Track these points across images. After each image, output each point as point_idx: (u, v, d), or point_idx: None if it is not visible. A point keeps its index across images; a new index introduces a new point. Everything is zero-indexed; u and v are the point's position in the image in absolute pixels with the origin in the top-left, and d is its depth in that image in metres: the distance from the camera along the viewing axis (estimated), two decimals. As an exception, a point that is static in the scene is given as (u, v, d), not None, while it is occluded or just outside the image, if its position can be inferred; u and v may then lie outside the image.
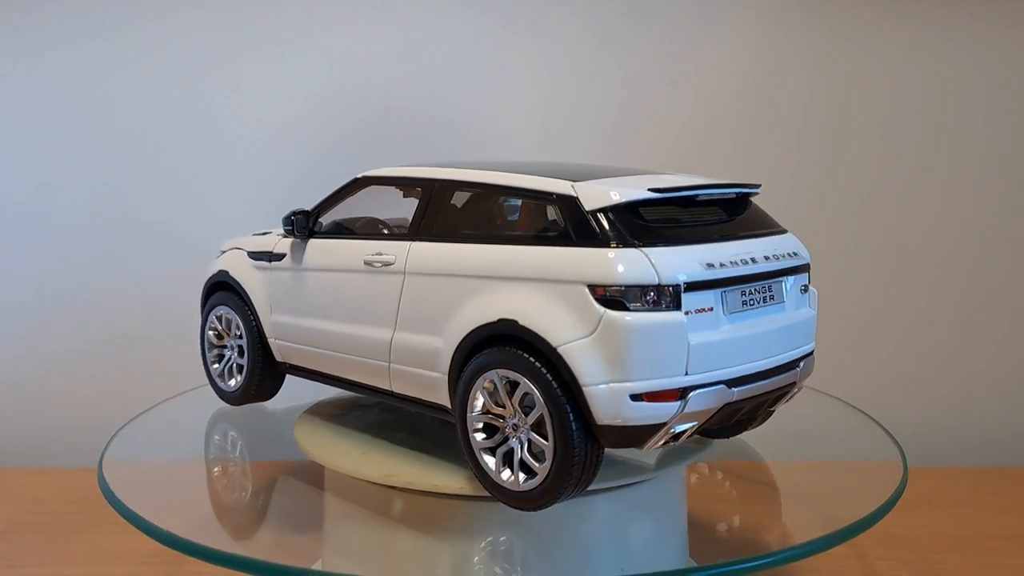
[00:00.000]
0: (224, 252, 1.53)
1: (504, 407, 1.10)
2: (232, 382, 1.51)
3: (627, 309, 1.02)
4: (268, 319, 1.44)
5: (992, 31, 2.00)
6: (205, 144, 2.03)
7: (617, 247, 1.04)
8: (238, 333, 1.48)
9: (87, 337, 2.06)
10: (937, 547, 1.61)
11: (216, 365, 1.53)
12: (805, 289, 1.20)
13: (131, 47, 2.00)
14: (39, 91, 2.01)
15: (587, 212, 1.08)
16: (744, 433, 1.31)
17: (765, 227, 1.20)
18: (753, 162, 2.03)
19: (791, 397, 1.21)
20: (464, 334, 1.14)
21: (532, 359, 1.06)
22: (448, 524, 1.18)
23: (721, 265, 1.08)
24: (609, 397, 1.02)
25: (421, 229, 1.25)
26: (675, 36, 2.01)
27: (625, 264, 1.03)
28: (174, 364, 2.00)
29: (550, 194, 1.13)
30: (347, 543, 1.30)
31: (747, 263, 1.11)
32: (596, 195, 1.08)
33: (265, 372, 1.46)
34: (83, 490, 1.46)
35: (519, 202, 1.20)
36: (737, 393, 1.08)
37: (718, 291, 1.07)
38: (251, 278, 1.47)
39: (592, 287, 1.03)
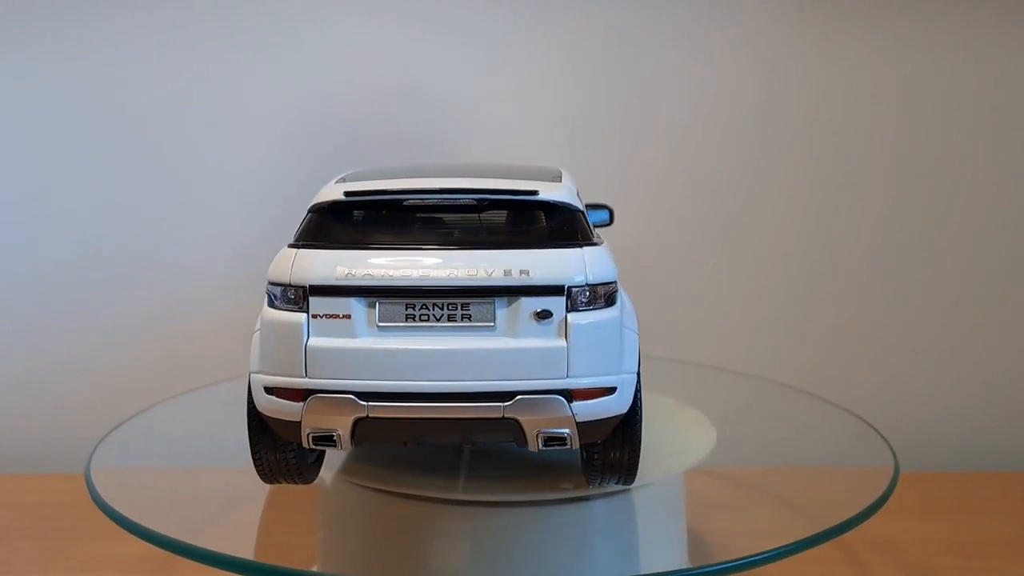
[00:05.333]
0: None
1: None
2: None
3: (272, 306, 1.07)
4: None
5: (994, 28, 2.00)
6: (201, 149, 2.02)
7: (291, 247, 1.09)
8: None
9: (76, 343, 2.04)
10: (935, 552, 1.61)
11: None
12: (545, 316, 1.04)
13: (124, 47, 1.99)
14: (27, 93, 2.00)
15: (308, 211, 1.13)
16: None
17: (540, 240, 1.08)
18: (756, 163, 2.03)
19: (535, 438, 1.05)
20: None
21: None
22: (443, 528, 1.17)
23: (366, 274, 1.04)
24: (255, 387, 1.07)
25: None
26: (679, 38, 2.01)
27: (276, 263, 1.08)
28: (165, 368, 2.00)
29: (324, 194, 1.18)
30: (342, 546, 1.29)
31: (406, 275, 1.03)
32: (322, 195, 1.13)
33: None
34: (73, 496, 1.45)
35: None
36: (370, 409, 1.03)
37: (360, 299, 1.04)
38: None
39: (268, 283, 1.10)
